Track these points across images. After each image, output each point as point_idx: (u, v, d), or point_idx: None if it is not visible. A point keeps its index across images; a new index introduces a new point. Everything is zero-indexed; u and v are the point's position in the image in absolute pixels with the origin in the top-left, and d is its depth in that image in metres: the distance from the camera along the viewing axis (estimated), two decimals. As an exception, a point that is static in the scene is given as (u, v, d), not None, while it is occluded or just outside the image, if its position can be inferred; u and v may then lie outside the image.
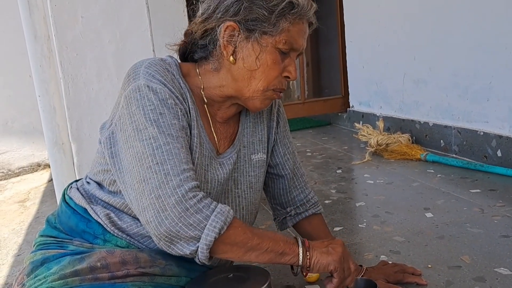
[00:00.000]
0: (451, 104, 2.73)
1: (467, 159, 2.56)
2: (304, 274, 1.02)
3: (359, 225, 1.80)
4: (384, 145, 2.86)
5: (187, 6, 2.95)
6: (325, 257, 0.98)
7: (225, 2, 0.98)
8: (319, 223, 1.31)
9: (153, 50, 1.65)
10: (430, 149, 2.83)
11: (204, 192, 0.92)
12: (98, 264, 0.92)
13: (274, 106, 1.22)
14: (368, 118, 3.61)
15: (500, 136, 2.36)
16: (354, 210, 1.99)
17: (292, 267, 1.01)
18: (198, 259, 0.90)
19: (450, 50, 2.68)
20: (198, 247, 0.88)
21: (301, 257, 0.97)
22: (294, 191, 1.27)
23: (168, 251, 0.91)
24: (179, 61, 1.09)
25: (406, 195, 2.11)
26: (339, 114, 4.10)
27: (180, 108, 0.96)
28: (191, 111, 1.00)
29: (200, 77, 1.05)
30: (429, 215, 1.82)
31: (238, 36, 0.98)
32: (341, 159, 2.91)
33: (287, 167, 1.25)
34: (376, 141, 2.90)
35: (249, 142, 1.14)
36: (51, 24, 1.55)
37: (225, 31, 0.98)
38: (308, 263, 0.98)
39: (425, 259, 1.45)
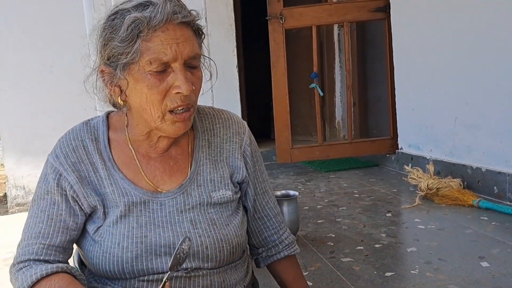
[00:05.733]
0: (505, 151, 2.68)
1: (523, 207, 2.49)
2: None
3: (411, 271, 1.78)
4: (434, 189, 2.83)
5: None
6: None
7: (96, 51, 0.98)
8: (290, 265, 1.23)
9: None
10: (482, 195, 2.77)
11: (28, 263, 0.96)
12: None
13: (240, 146, 1.15)
14: (418, 161, 3.57)
15: (559, 185, 2.30)
16: (406, 255, 1.98)
17: None
18: None
19: (503, 95, 2.66)
20: None
21: None
22: (265, 231, 1.21)
23: None
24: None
25: (459, 242, 2.07)
26: (387, 155, 4.08)
27: (65, 180, 1.00)
28: (100, 172, 1.02)
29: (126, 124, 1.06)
30: (484, 264, 1.79)
31: (112, 76, 0.95)
32: (390, 202, 2.89)
33: (257, 207, 1.19)
34: (426, 185, 2.87)
35: (206, 180, 1.09)
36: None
37: (102, 76, 0.97)
38: None
39: (482, 310, 1.42)
